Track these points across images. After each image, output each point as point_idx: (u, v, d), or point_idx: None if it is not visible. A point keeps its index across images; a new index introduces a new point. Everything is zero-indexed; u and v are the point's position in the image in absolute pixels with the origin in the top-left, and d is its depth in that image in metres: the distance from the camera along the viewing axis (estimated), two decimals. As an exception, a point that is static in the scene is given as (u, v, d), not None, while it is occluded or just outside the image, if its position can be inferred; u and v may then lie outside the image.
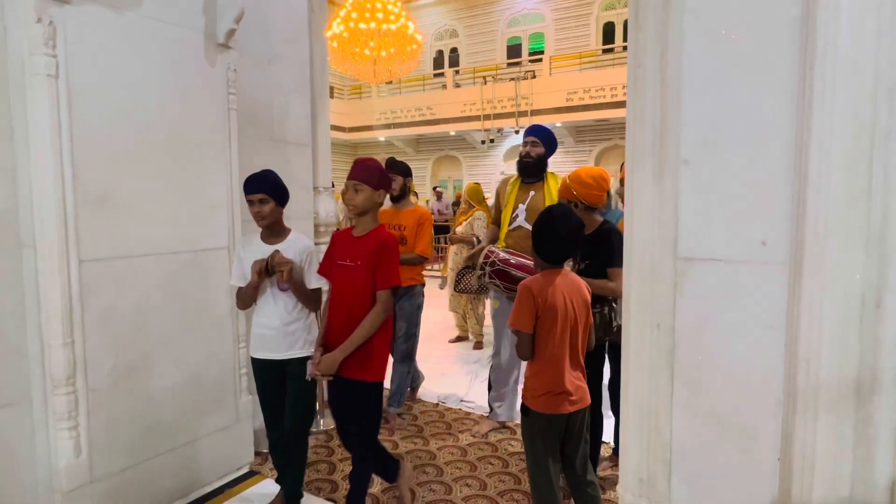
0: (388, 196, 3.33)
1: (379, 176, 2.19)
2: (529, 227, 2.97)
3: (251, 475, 2.81)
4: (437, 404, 3.76)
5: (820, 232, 0.91)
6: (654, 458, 1.23)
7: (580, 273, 2.36)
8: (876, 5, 0.85)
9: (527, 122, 13.64)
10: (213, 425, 2.70)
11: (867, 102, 0.86)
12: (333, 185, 4.16)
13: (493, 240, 3.35)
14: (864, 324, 0.89)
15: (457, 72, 15.72)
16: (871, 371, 0.90)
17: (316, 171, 3.67)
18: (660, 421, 1.21)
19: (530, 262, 2.82)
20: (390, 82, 13.75)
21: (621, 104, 12.08)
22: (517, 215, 3.18)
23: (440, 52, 17.02)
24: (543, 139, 3.22)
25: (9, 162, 2.04)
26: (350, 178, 2.16)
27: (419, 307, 3.45)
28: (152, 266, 2.38)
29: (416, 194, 9.60)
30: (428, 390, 3.98)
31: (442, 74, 16.10)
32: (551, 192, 3.14)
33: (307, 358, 2.28)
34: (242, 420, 2.86)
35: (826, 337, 0.92)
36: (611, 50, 14.22)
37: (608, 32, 14.64)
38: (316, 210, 3.78)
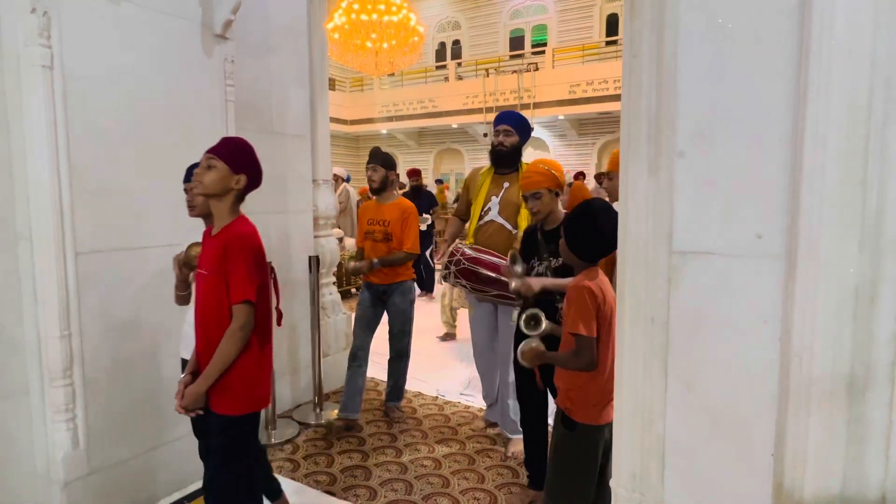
0: (368, 188, 3.26)
1: (244, 159, 1.79)
2: (503, 222, 2.87)
3: (250, 467, 2.81)
4: (436, 397, 3.77)
5: (814, 224, 0.90)
6: (648, 452, 1.22)
7: (554, 273, 2.28)
8: (873, -7, 0.83)
9: (530, 114, 13.58)
10: (212, 417, 2.70)
11: (863, 92, 0.84)
12: (337, 180, 4.11)
13: (457, 235, 3.17)
14: (857, 318, 0.88)
15: (459, 64, 15.65)
16: (864, 366, 0.88)
17: (315, 164, 3.67)
18: (653, 415, 1.20)
19: (503, 261, 2.62)
20: (392, 75, 13.72)
21: (624, 97, 11.98)
22: (489, 209, 2.94)
23: (442, 45, 16.94)
24: (517, 126, 2.96)
25: (4, 154, 2.04)
26: (209, 151, 1.78)
27: (412, 303, 3.30)
28: (149, 258, 2.38)
29: (403, 185, 9.43)
30: (427, 383, 3.99)
31: (444, 67, 16.02)
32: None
33: None
34: (241, 412, 2.87)
35: (819, 331, 0.91)
36: (614, 42, 14.11)
37: (612, 24, 14.53)
38: (315, 203, 3.78)
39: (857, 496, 0.91)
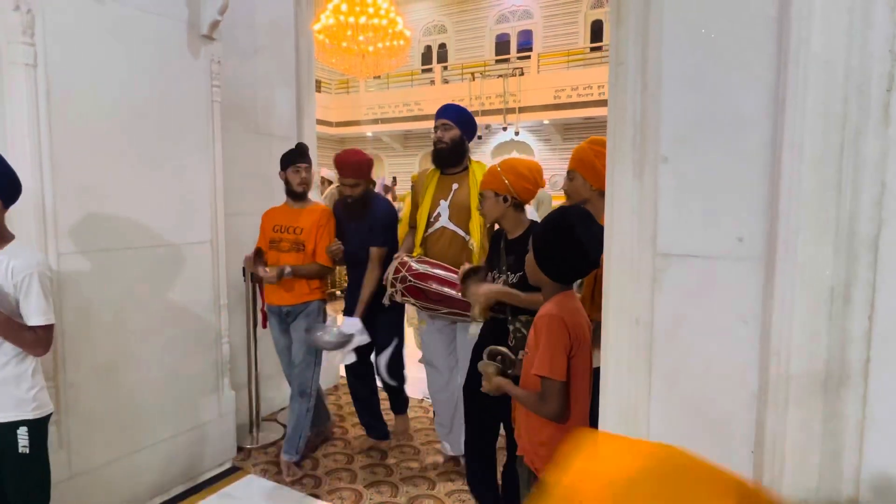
0: (289, 193, 2.76)
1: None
2: (455, 229, 2.55)
3: (234, 471, 2.79)
4: (422, 399, 3.77)
5: (792, 228, 0.93)
6: (632, 450, 1.25)
7: (512, 287, 2.00)
8: (847, 5, 0.86)
9: (515, 118, 13.68)
10: (195, 421, 2.68)
11: (838, 101, 0.88)
12: (324, 182, 4.08)
13: (411, 248, 2.71)
14: (833, 318, 0.91)
15: (445, 68, 15.69)
16: (839, 364, 0.92)
17: (301, 166, 3.64)
18: (637, 413, 1.23)
19: (454, 275, 2.29)
20: (378, 77, 13.70)
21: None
22: (438, 214, 2.59)
23: (428, 48, 16.97)
24: (457, 120, 2.62)
25: (-15, 152, 2.01)
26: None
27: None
28: (132, 259, 2.35)
29: (326, 180, 9.02)
30: (412, 386, 3.98)
31: (430, 70, 16.05)
32: (479, 184, 2.46)
33: (17, 424, 1.59)
34: (225, 416, 2.84)
35: (796, 330, 0.94)
36: (599, 48, 14.28)
37: (596, 31, 14.70)
38: (301, 204, 3.74)
39: (834, 490, 0.94)
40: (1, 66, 1.97)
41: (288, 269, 2.64)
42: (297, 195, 2.77)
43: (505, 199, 2.09)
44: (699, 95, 1.11)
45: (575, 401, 1.49)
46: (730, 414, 1.11)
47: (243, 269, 2.97)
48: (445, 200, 2.60)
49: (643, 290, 1.19)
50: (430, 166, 2.77)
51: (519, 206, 2.12)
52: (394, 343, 2.96)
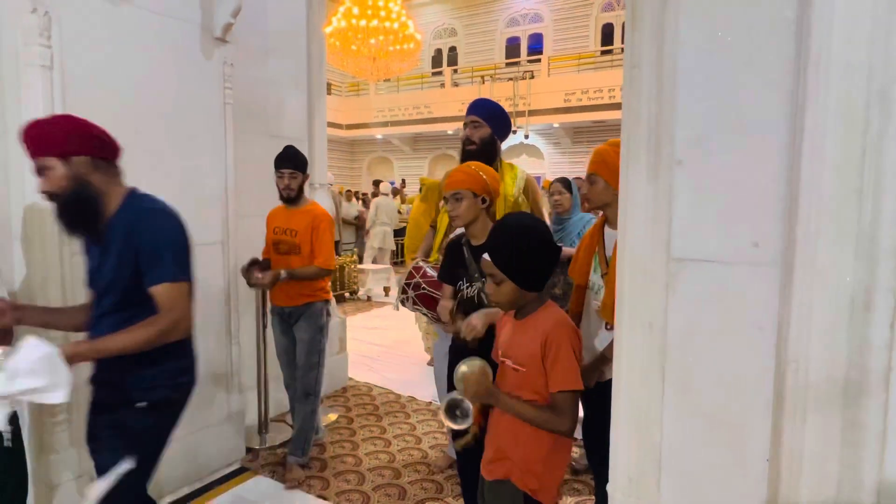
0: (279, 195, 2.73)
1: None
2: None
3: (242, 471, 2.80)
4: (430, 402, 3.76)
5: (811, 233, 0.92)
6: (645, 457, 1.23)
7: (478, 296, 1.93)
8: (870, 7, 0.85)
9: (524, 122, 13.66)
10: (205, 421, 2.69)
11: (860, 104, 0.86)
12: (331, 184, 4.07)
13: (429, 250, 2.60)
14: (853, 325, 0.90)
15: (455, 71, 15.71)
16: (859, 373, 0.90)
17: (312, 168, 3.66)
18: (650, 420, 1.21)
19: None
20: (388, 80, 13.74)
21: (619, 106, 11.97)
22: None
23: (439, 51, 17.01)
24: (487, 116, 2.46)
25: (2, 154, 2.03)
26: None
27: (321, 329, 2.77)
28: (145, 260, 2.37)
29: (356, 195, 9.22)
30: (422, 389, 3.98)
31: (440, 73, 16.09)
32: (506, 187, 2.44)
33: None
34: (234, 416, 2.85)
35: (815, 338, 0.92)
36: (609, 51, 14.24)
37: (607, 34, 14.66)
38: (311, 206, 3.75)
39: (853, 500, 0.92)
40: (18, 67, 1.99)
41: (283, 274, 2.62)
42: (285, 200, 2.75)
43: (483, 200, 1.96)
44: (715, 98, 1.09)
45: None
46: (744, 421, 1.10)
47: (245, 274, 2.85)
48: None
49: (657, 295, 1.17)
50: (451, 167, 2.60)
51: (489, 209, 2.01)
52: (121, 466, 1.48)
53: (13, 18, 1.97)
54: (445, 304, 2.02)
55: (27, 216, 2.03)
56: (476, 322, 1.78)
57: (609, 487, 1.30)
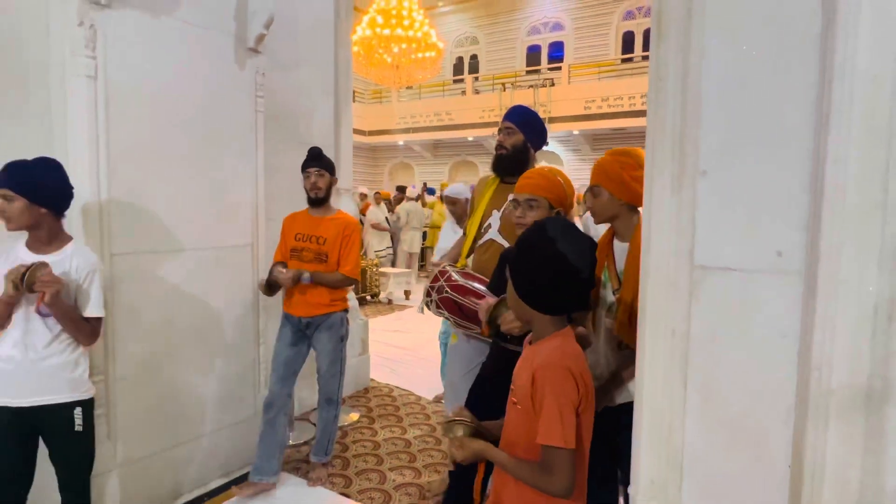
0: (307, 197, 2.67)
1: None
2: (504, 242, 2.28)
3: (267, 469, 2.86)
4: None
5: (834, 243, 0.94)
6: (666, 462, 1.25)
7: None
8: (895, 21, 0.87)
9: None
10: (233, 418, 2.77)
11: (883, 116, 0.88)
12: (362, 198, 4.10)
13: (457, 257, 2.54)
14: (876, 335, 0.91)
15: (476, 78, 15.79)
16: (882, 381, 0.91)
17: (338, 173, 3.74)
18: (672, 425, 1.23)
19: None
20: (410, 87, 13.88)
21: (639, 113, 12.04)
22: (489, 225, 2.36)
23: (460, 59, 17.11)
24: (521, 123, 2.38)
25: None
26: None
27: (342, 339, 2.74)
28: (178, 261, 2.46)
29: (363, 195, 9.26)
30: (438, 389, 4.01)
31: (461, 80, 16.18)
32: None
33: (74, 405, 1.77)
34: (260, 414, 2.92)
35: (838, 348, 0.94)
36: (630, 59, 14.17)
37: (627, 42, 14.61)
38: (337, 211, 3.83)
39: (875, 507, 0.94)
40: (64, 77, 2.10)
41: (307, 275, 2.57)
42: (313, 201, 2.69)
43: (558, 213, 1.84)
44: (739, 110, 1.12)
45: (579, 467, 1.21)
46: (767, 428, 1.11)
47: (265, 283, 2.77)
48: (498, 211, 2.35)
49: (680, 302, 1.19)
50: (487, 175, 2.57)
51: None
52: None
53: (61, 31, 2.08)
54: (490, 301, 1.91)
55: (70, 219, 2.12)
56: (512, 316, 1.62)
57: (631, 491, 1.32)
